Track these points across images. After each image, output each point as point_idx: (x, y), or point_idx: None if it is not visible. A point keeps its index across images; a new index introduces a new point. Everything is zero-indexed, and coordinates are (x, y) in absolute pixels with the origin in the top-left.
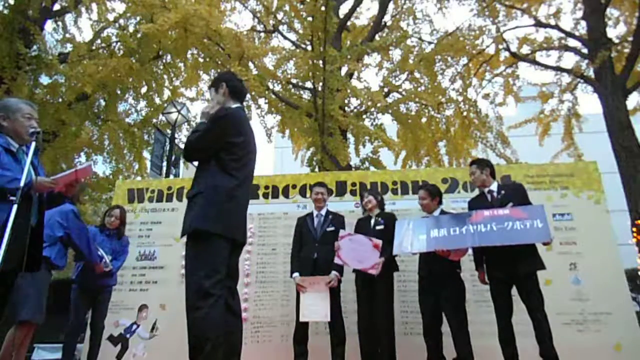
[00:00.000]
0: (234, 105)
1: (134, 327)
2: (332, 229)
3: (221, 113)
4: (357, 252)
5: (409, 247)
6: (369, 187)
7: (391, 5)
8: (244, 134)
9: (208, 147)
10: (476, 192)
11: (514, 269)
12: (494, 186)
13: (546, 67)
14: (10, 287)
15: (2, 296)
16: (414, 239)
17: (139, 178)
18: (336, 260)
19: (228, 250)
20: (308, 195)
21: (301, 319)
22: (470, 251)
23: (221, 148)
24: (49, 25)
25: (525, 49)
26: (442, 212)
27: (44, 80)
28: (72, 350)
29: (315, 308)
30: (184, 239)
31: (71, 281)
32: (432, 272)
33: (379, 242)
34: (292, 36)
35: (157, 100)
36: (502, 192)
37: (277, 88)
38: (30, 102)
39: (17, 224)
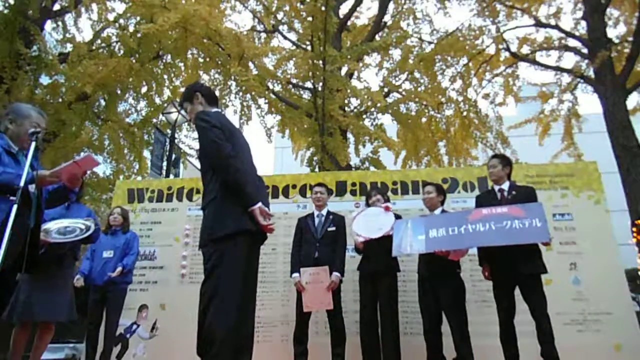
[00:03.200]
0: (214, 110)
1: (134, 327)
2: (333, 229)
3: (202, 115)
4: (373, 223)
5: (408, 249)
6: (369, 187)
7: (391, 5)
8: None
9: (223, 142)
10: (477, 192)
11: (517, 269)
12: (505, 185)
13: (546, 67)
14: (12, 287)
15: (1, 297)
16: (412, 239)
17: (139, 178)
18: (358, 239)
19: (247, 244)
20: (308, 195)
21: (305, 310)
22: (470, 250)
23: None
24: (49, 25)
25: (525, 49)
26: (443, 212)
27: (44, 80)
28: (93, 348)
29: (318, 298)
30: (184, 239)
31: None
32: (432, 272)
33: (389, 204)
34: (292, 36)
35: (157, 100)
36: (514, 192)
37: (277, 88)
38: (41, 111)
39: (16, 224)
